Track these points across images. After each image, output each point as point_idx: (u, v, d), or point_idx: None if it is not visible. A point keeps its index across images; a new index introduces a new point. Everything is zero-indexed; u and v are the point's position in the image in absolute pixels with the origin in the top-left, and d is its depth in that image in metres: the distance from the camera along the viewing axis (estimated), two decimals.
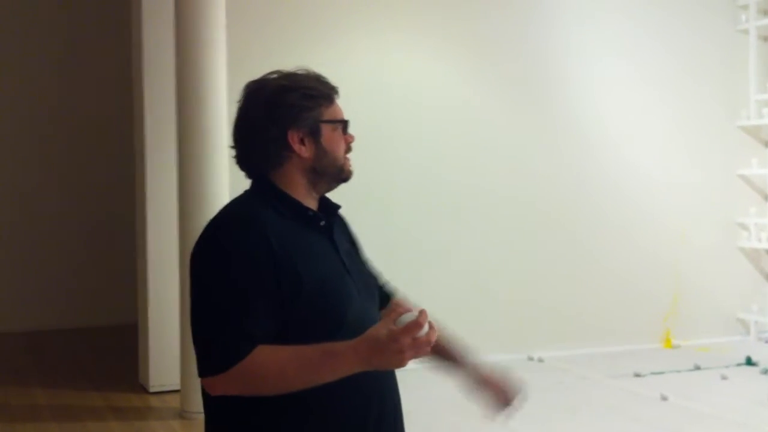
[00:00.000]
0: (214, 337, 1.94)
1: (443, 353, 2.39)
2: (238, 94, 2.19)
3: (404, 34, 7.38)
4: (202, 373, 1.95)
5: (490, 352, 7.71)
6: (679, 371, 7.17)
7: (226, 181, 5.77)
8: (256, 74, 2.19)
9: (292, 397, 1.94)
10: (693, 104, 8.37)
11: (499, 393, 2.44)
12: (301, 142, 2.10)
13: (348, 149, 2.16)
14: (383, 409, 2.12)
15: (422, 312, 1.83)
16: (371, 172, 7.00)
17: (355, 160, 2.18)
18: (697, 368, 7.25)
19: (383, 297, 2.34)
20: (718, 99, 8.48)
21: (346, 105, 2.21)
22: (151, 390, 6.50)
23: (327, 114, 2.12)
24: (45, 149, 9.16)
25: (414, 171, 7.36)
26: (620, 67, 8.09)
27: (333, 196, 2.22)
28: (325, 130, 2.11)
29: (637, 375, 6.99)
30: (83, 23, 9.19)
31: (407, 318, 1.82)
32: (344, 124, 2.15)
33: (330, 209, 2.20)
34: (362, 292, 2.12)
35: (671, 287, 8.17)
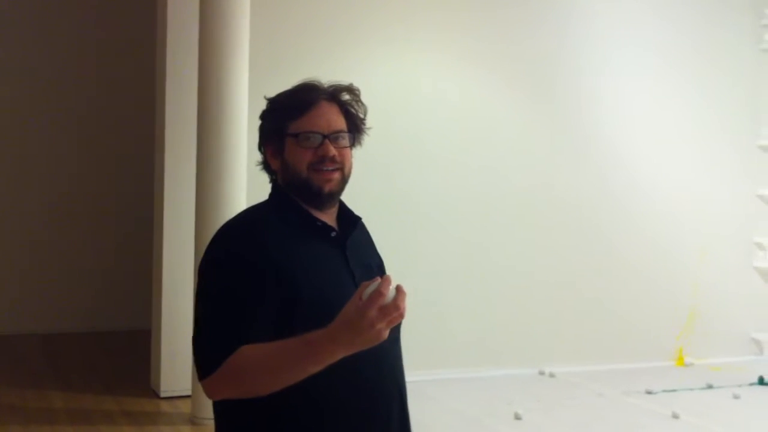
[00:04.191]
0: (204, 341, 2.01)
1: None
2: (258, 103, 2.23)
3: (433, 45, 7.40)
4: (199, 375, 2.02)
5: (501, 366, 7.83)
6: (691, 389, 7.16)
7: (243, 189, 5.81)
8: (279, 82, 2.22)
9: (296, 400, 1.98)
10: (714, 123, 8.36)
11: None
12: (273, 155, 2.17)
13: (319, 161, 2.10)
14: (390, 411, 2.14)
15: (384, 279, 1.80)
16: (390, 182, 7.04)
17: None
18: (710, 387, 7.23)
19: None
20: (739, 118, 8.47)
21: (373, 114, 2.20)
22: (163, 395, 6.53)
23: (293, 127, 2.11)
24: (66, 159, 9.21)
25: (430, 184, 7.37)
26: (644, 86, 8.09)
27: (357, 200, 2.23)
28: (288, 143, 2.12)
29: (649, 392, 6.97)
30: (110, 33, 9.26)
31: (371, 289, 1.79)
32: (308, 135, 2.10)
33: (349, 221, 2.21)
34: None
35: (686, 305, 8.16)
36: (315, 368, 1.89)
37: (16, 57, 9.06)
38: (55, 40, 9.15)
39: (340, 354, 1.86)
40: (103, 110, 9.28)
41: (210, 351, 1.98)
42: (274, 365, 1.92)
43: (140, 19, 8.74)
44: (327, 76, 2.27)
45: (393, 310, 1.79)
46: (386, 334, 1.82)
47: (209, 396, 2.02)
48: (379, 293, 1.78)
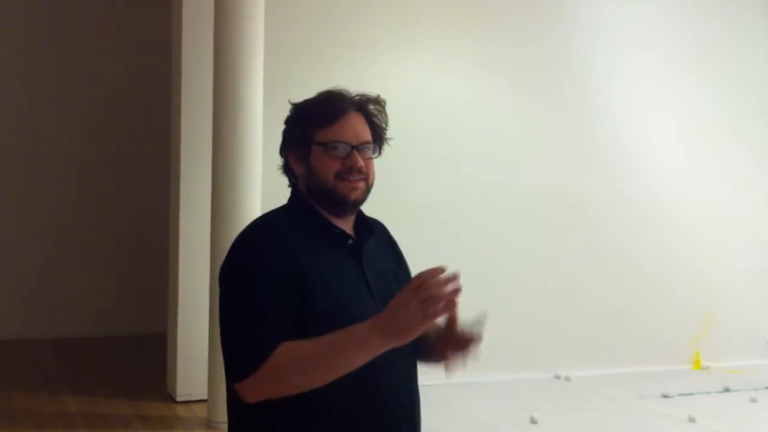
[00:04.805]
0: (241, 342, 2.01)
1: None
2: (273, 109, 2.24)
3: (443, 49, 7.39)
4: (236, 378, 2.00)
5: (515, 370, 7.78)
6: (708, 393, 7.12)
7: (258, 192, 5.81)
8: (294, 84, 2.23)
9: (312, 405, 2.00)
10: (726, 124, 8.32)
11: (457, 342, 2.21)
12: (297, 161, 2.18)
13: (347, 171, 2.13)
14: (400, 425, 2.15)
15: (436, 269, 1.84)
16: (399, 185, 7.02)
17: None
18: (727, 390, 7.18)
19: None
20: (751, 119, 8.42)
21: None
22: (179, 399, 6.53)
23: (321, 135, 2.14)
24: (81, 161, 9.24)
25: (440, 187, 7.36)
26: (654, 88, 8.05)
27: (366, 203, 2.24)
28: (315, 150, 2.14)
29: (666, 396, 6.93)
30: (125, 35, 9.28)
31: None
32: (336, 145, 2.12)
33: (366, 228, 2.23)
34: None
35: (702, 308, 8.11)
36: (359, 359, 1.92)
37: (31, 57, 9.10)
38: (70, 41, 9.17)
39: (376, 341, 1.89)
40: (118, 112, 9.30)
41: (250, 351, 1.97)
42: (317, 358, 1.94)
43: (154, 22, 8.76)
44: (338, 79, 2.29)
45: (433, 300, 1.82)
46: (422, 325, 1.84)
47: (246, 398, 2.01)
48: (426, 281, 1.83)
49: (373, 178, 2.20)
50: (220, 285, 2.12)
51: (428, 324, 1.87)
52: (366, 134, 2.17)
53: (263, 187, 5.80)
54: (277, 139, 2.28)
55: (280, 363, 1.94)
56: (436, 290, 1.83)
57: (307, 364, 1.95)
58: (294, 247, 2.07)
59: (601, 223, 7.83)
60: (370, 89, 2.25)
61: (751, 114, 8.43)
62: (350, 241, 2.17)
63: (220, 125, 5.89)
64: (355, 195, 2.15)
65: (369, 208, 2.29)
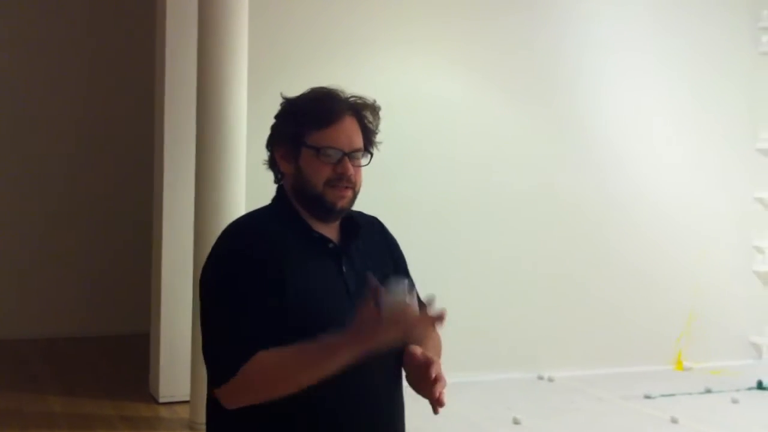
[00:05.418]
0: (217, 348, 2.01)
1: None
2: (259, 108, 2.24)
3: (434, 49, 7.39)
4: (213, 384, 2.01)
5: (499, 371, 7.78)
6: (690, 394, 7.14)
7: (242, 193, 5.80)
8: (279, 84, 2.21)
9: (289, 413, 2.00)
10: (713, 126, 8.34)
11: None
12: (285, 159, 2.15)
13: (337, 179, 2.11)
14: (380, 424, 2.18)
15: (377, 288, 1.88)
16: (389, 185, 7.03)
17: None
18: (708, 391, 7.21)
19: None
20: (738, 121, 8.46)
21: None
22: (161, 400, 6.51)
23: (314, 138, 2.10)
24: (65, 161, 9.20)
25: (429, 187, 7.36)
26: (643, 89, 8.07)
27: (358, 202, 2.23)
28: (306, 153, 2.11)
29: (648, 397, 6.96)
30: (109, 35, 9.25)
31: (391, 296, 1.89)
32: (329, 151, 2.10)
33: (352, 230, 2.21)
34: None
35: (685, 308, 8.14)
36: (333, 367, 1.92)
37: (15, 59, 9.06)
38: (55, 41, 9.13)
39: (356, 351, 1.90)
40: (102, 113, 9.25)
41: (226, 358, 1.97)
42: (292, 369, 1.94)
43: (138, 22, 8.72)
44: (328, 79, 2.27)
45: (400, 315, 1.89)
46: (395, 333, 1.91)
47: (226, 403, 2.01)
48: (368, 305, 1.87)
49: (360, 186, 2.17)
50: (201, 288, 2.11)
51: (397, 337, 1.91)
52: (359, 141, 2.14)
53: (247, 187, 5.79)
54: (262, 140, 2.25)
55: (255, 374, 1.94)
56: (397, 312, 1.88)
57: (281, 374, 1.95)
58: (275, 248, 2.05)
59: (588, 223, 7.85)
60: (360, 89, 2.23)
61: (738, 116, 8.45)
62: (330, 245, 2.15)
63: (204, 126, 5.87)
64: (342, 203, 2.13)
65: (362, 208, 2.29)
